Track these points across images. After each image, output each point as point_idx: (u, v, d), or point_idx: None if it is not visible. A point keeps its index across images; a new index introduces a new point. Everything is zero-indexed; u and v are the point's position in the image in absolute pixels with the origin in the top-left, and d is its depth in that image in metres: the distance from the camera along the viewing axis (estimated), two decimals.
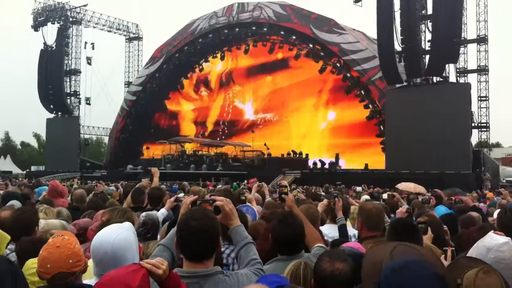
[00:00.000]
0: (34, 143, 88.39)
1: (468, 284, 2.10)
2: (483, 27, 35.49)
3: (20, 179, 33.87)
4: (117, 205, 6.02)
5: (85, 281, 2.70)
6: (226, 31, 41.80)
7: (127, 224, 2.95)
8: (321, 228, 5.04)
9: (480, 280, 2.10)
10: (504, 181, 38.60)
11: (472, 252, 2.63)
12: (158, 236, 4.49)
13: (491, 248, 2.54)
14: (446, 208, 6.82)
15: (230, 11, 41.30)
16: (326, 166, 34.16)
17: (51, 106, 47.70)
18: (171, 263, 2.65)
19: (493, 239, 2.62)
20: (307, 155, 37.56)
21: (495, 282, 2.11)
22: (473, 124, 33.01)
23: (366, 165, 33.74)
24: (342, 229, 5.03)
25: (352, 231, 5.22)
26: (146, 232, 4.46)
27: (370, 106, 34.49)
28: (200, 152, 41.53)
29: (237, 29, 41.17)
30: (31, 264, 3.06)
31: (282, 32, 38.73)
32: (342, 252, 2.59)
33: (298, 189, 14.38)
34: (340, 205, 5.25)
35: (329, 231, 5.08)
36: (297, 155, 37.53)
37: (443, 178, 23.83)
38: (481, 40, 35.35)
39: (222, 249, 3.87)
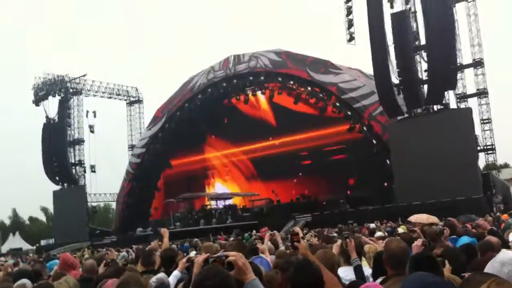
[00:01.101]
0: (42, 216, 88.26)
1: None
2: (477, 50, 35.72)
3: (31, 255, 33.63)
4: (136, 271, 5.92)
5: None
6: (224, 84, 42.27)
7: None
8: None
9: None
10: None
11: (487, 269, 2.65)
12: None
13: (505, 262, 2.58)
14: (469, 238, 6.70)
15: (227, 64, 41.89)
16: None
17: (57, 178, 47.88)
18: None
19: (506, 254, 2.68)
20: (316, 197, 37.31)
21: None
22: (478, 148, 32.95)
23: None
24: (358, 270, 4.94)
25: (368, 271, 5.12)
26: None
27: (374, 141, 34.35)
28: (208, 207, 41.35)
29: (235, 81, 41.62)
30: None
31: (280, 78, 39.10)
32: None
33: (310, 233, 14.21)
34: (353, 246, 5.17)
35: (346, 273, 4.98)
36: (307, 199, 37.37)
37: (455, 205, 23.63)
38: (477, 63, 35.52)
39: None
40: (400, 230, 11.39)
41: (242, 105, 44.18)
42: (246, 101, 43.15)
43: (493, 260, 2.68)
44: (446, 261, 3.93)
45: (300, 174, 42.66)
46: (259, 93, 42.51)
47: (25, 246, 59.75)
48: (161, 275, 4.76)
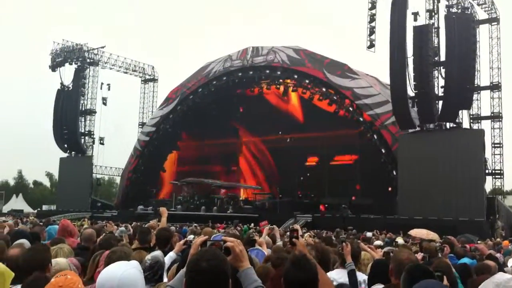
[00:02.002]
0: (46, 182, 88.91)
1: None
2: (496, 74, 35.59)
3: (31, 217, 33.90)
4: (127, 246, 5.97)
5: None
6: (240, 74, 42.15)
7: (134, 262, 2.92)
8: (331, 273, 4.97)
9: None
10: None
11: None
12: (165, 278, 4.42)
13: (499, 283, 2.64)
14: (469, 259, 6.71)
15: (245, 55, 41.85)
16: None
17: (65, 146, 48.15)
18: None
19: (502, 276, 2.76)
20: (319, 199, 37.27)
21: None
22: (487, 171, 32.73)
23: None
24: (351, 274, 4.97)
25: (361, 276, 5.13)
26: (154, 275, 4.39)
27: (383, 150, 34.22)
28: (211, 194, 41.44)
29: (251, 72, 41.53)
30: None
31: (296, 76, 38.97)
32: None
33: (309, 233, 14.21)
34: (349, 250, 5.19)
35: (339, 276, 5.01)
36: (309, 199, 37.33)
37: (457, 226, 23.50)
38: (495, 87, 35.39)
39: None
40: (399, 241, 11.36)
41: (269, 95, 43.63)
42: (260, 93, 43.02)
43: (489, 280, 2.71)
44: (445, 277, 3.92)
45: (308, 174, 42.55)
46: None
47: (27, 208, 60.15)
48: (157, 253, 4.76)
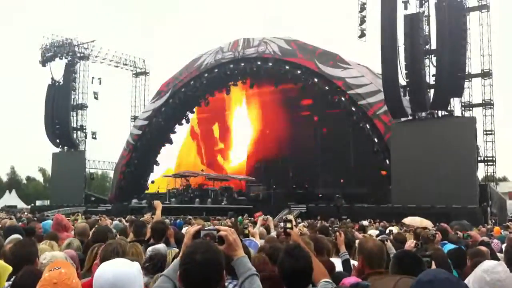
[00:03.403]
0: (39, 177, 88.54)
1: None
2: (487, 61, 35.67)
3: (25, 213, 33.80)
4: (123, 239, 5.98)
5: None
6: (231, 66, 41.96)
7: (135, 263, 2.90)
8: None
9: None
10: (511, 215, 38.16)
11: (471, 277, 2.80)
12: None
13: (487, 270, 2.74)
14: (453, 246, 6.77)
15: (236, 46, 41.66)
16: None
17: (57, 141, 47.98)
18: None
19: (489, 262, 2.86)
20: (313, 188, 37.25)
21: None
22: (479, 158, 32.91)
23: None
24: (346, 264, 4.99)
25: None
26: (153, 266, 4.42)
27: (376, 140, 34.26)
28: (205, 186, 41.42)
29: (242, 64, 41.31)
30: None
31: (287, 67, 38.81)
32: None
33: (303, 223, 14.25)
34: (342, 239, 5.22)
35: (335, 264, 5.04)
36: (303, 189, 37.33)
37: (450, 213, 23.63)
38: (486, 74, 35.48)
39: (226, 283, 3.80)
40: (393, 229, 11.42)
41: None
42: (251, 85, 43.00)
43: (477, 268, 2.79)
44: (433, 262, 3.96)
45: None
46: None
47: (20, 204, 59.97)
48: (159, 245, 4.82)
